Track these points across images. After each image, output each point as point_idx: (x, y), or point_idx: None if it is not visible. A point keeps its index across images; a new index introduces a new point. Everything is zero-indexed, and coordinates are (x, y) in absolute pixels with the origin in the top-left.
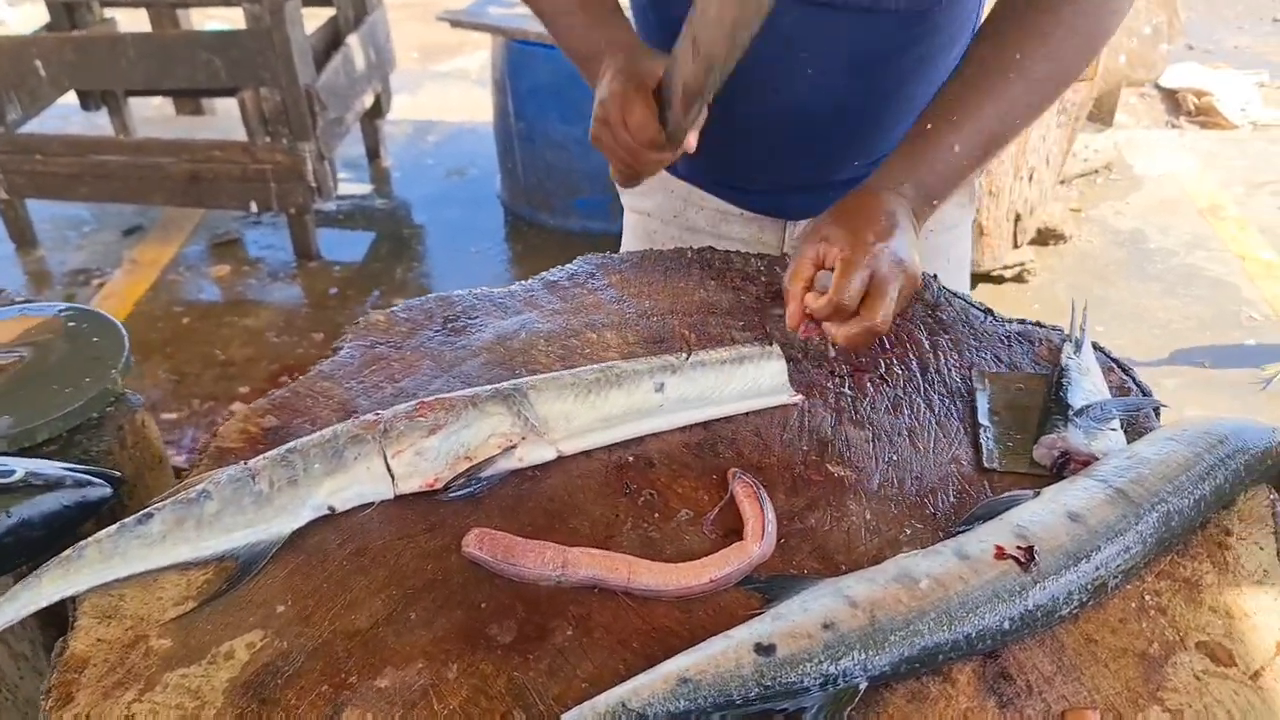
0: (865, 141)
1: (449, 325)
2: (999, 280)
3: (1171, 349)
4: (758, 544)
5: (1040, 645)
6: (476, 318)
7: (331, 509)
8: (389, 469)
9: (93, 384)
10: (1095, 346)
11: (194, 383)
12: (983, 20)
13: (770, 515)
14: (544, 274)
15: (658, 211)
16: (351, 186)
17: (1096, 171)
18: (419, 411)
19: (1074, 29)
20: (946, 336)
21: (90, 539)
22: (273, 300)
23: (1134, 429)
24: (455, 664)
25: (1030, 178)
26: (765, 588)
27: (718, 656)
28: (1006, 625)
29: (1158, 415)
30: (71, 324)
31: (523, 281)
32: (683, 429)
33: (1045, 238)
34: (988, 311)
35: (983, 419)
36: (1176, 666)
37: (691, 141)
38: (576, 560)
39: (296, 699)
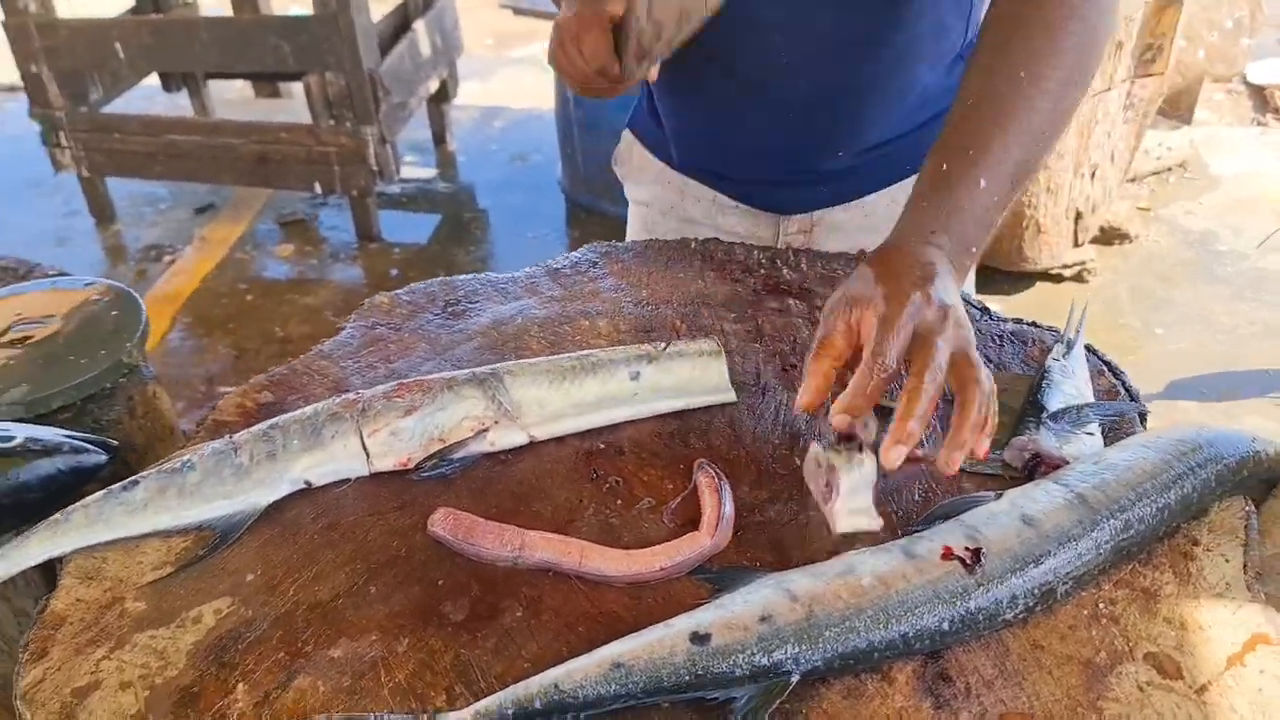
0: (848, 131)
1: (449, 309)
2: (1057, 279)
3: (1235, 354)
4: (711, 535)
5: (985, 649)
6: (477, 302)
7: (308, 483)
8: (364, 447)
9: (107, 356)
10: (1089, 349)
11: (253, 358)
12: (981, 16)
13: (729, 508)
14: (549, 260)
15: (656, 203)
16: (416, 170)
17: (1169, 169)
18: (397, 392)
19: (1074, 30)
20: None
21: (78, 504)
22: (333, 280)
23: (1119, 434)
24: (406, 638)
25: (1093, 174)
26: (716, 578)
27: (654, 644)
28: (946, 626)
29: (1144, 421)
30: (96, 298)
31: (528, 268)
32: (658, 418)
33: (1109, 237)
34: (984, 310)
35: None
36: (1121, 676)
37: (653, 74)
38: (533, 543)
39: (254, 664)
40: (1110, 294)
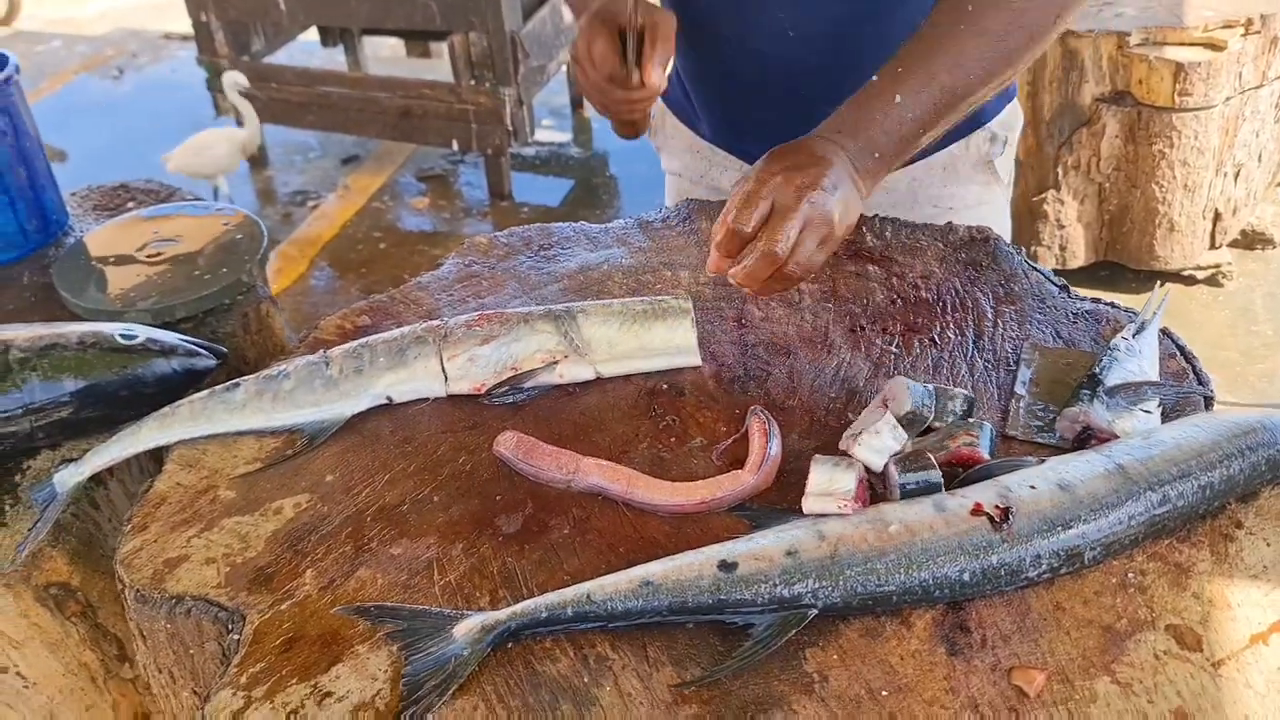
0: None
1: (541, 253)
2: (1189, 281)
3: None
4: (753, 474)
5: (1006, 605)
6: (569, 248)
7: (389, 399)
8: (443, 370)
9: (229, 274)
10: (1165, 333)
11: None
12: None
13: (775, 451)
14: (643, 214)
15: (686, 172)
16: (552, 134)
17: None
18: (476, 321)
19: None
20: (1013, 307)
21: (185, 399)
22: (464, 234)
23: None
24: (461, 544)
25: (1236, 174)
26: (754, 516)
27: (683, 566)
28: (966, 577)
29: (1209, 406)
30: (224, 223)
31: (622, 220)
32: (720, 364)
33: (1250, 241)
34: (1064, 288)
35: (1020, 389)
36: (1139, 644)
37: (658, 80)
38: (586, 468)
39: (323, 554)
40: (1244, 300)
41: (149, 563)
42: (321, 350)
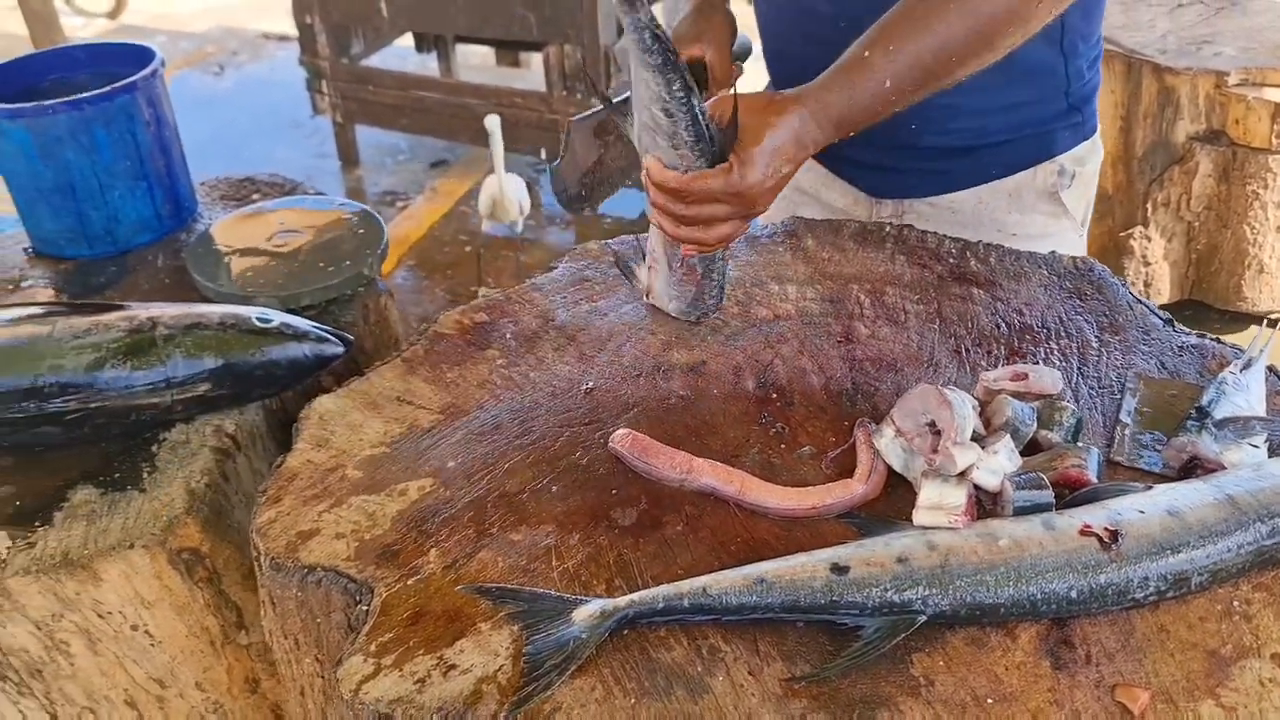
0: (917, 111)
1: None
2: (1277, 324)
3: None
4: (863, 484)
5: (1111, 624)
6: None
7: None
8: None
9: (351, 267)
10: (1271, 370)
11: (465, 303)
12: None
13: (882, 464)
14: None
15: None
16: None
17: None
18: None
19: None
20: (1117, 337)
21: None
22: (546, 241)
23: None
24: (578, 534)
25: None
26: (862, 524)
27: (797, 567)
28: (1074, 594)
29: None
30: (346, 216)
31: None
32: (828, 377)
33: None
34: (1169, 321)
35: (1125, 416)
36: (1244, 670)
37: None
38: (700, 469)
39: (446, 535)
40: None
41: (283, 533)
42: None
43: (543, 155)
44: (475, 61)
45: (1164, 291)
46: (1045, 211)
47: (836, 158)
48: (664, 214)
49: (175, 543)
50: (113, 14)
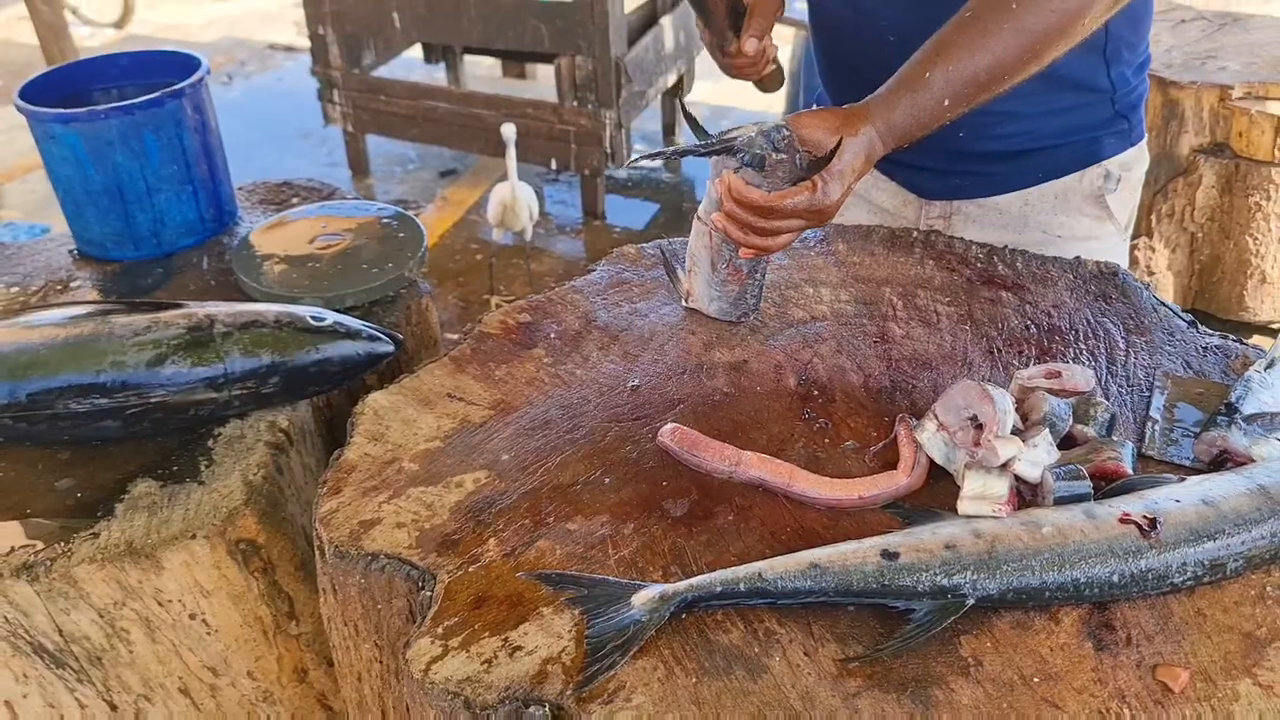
0: (968, 118)
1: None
2: (1278, 334)
3: None
4: (907, 475)
5: (1149, 608)
6: None
7: None
8: None
9: (393, 269)
10: None
11: (477, 310)
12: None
13: (925, 456)
14: None
15: None
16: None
17: None
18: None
19: None
20: (1143, 339)
21: None
22: (556, 250)
23: None
24: (632, 523)
25: None
26: (906, 514)
27: (848, 553)
28: (1115, 579)
29: None
30: (386, 221)
31: None
32: (867, 375)
33: None
34: (1192, 323)
35: (1154, 413)
36: (1279, 651)
37: (750, 49)
38: (748, 461)
39: (504, 525)
40: None
41: (346, 523)
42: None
43: (552, 165)
44: (481, 73)
45: (1167, 301)
46: (1090, 215)
47: (889, 160)
48: (735, 224)
49: (234, 533)
50: (119, 24)
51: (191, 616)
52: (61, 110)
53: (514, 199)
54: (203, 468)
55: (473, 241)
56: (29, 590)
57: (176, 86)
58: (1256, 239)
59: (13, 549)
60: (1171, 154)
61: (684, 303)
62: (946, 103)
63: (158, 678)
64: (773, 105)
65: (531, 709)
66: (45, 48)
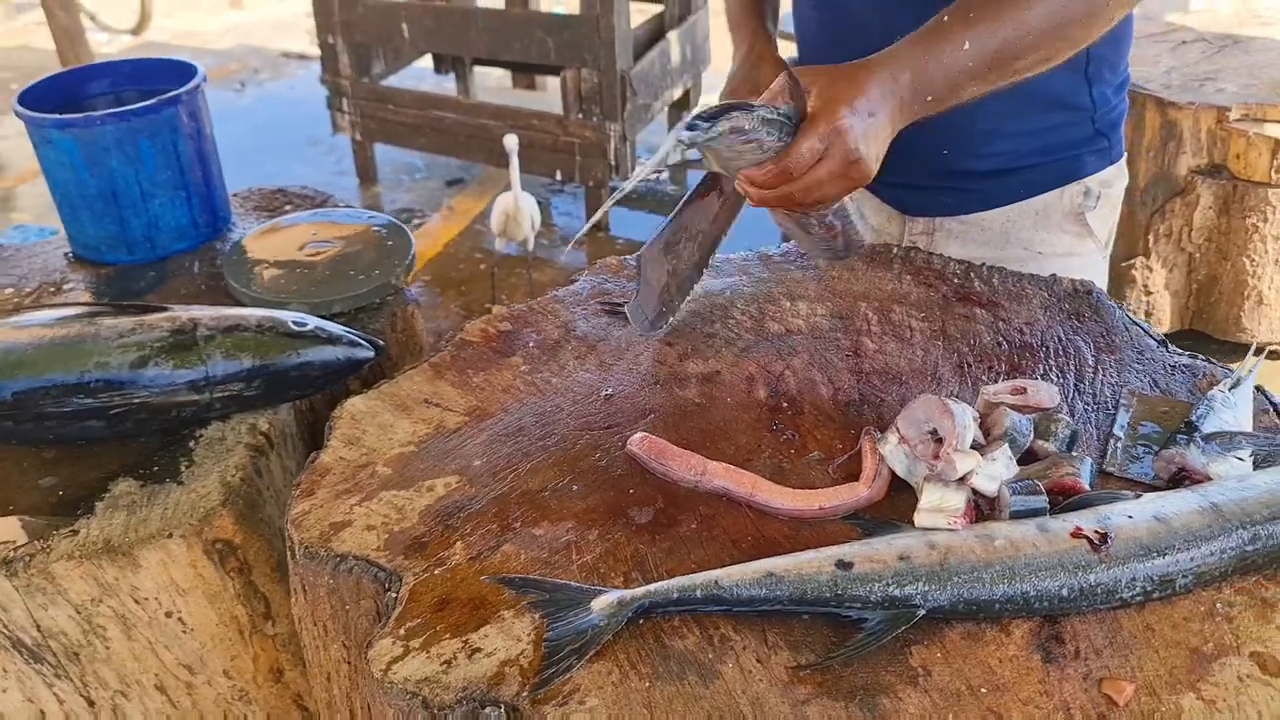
0: (948, 133)
1: None
2: (1274, 356)
3: None
4: (867, 488)
5: (1100, 622)
6: None
7: None
8: None
9: (380, 276)
10: (1259, 390)
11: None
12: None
13: (886, 469)
14: (764, 248)
15: None
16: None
17: None
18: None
19: None
20: (1113, 357)
21: None
22: (560, 261)
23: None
24: (597, 530)
25: None
26: (866, 525)
27: (804, 562)
28: (1065, 592)
29: None
30: (376, 229)
31: (744, 252)
32: (836, 388)
33: None
34: (1162, 342)
35: (1118, 430)
36: (1224, 666)
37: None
38: (714, 471)
39: (471, 529)
40: None
41: (317, 524)
42: None
43: (557, 176)
44: (491, 83)
45: (1165, 321)
46: (1071, 232)
47: (875, 179)
48: (782, 203)
49: (210, 533)
50: (137, 30)
51: (168, 614)
52: (58, 116)
53: (516, 209)
54: (183, 468)
55: (477, 251)
56: (7, 585)
57: (172, 94)
58: (1254, 260)
59: None
60: (1169, 174)
61: (639, 332)
62: (971, 65)
63: (134, 674)
64: None
65: (488, 710)
66: (61, 53)
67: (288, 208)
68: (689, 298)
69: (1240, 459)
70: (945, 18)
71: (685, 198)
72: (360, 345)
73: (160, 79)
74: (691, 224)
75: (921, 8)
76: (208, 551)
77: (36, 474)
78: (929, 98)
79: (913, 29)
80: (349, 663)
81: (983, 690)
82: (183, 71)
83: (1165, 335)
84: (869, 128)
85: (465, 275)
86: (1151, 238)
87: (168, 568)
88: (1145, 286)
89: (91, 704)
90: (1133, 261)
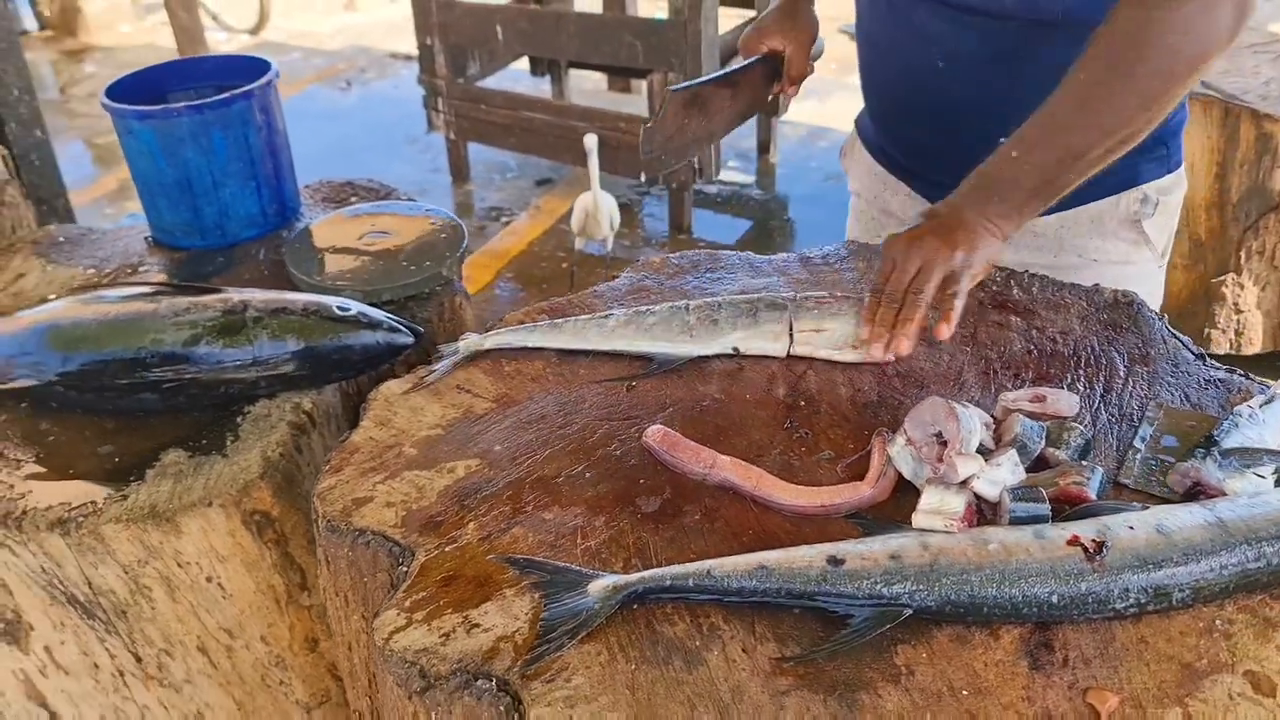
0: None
1: (707, 274)
2: None
3: None
4: (871, 487)
5: (1093, 631)
6: (734, 273)
7: (736, 350)
8: (791, 336)
9: (431, 267)
10: None
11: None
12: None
13: (892, 470)
14: (804, 250)
15: (864, 191)
16: (737, 175)
17: None
18: (827, 300)
19: (1179, 27)
20: (1146, 369)
21: (568, 319)
22: (639, 261)
23: None
24: (604, 516)
25: None
26: (866, 524)
27: (796, 556)
28: (1055, 599)
29: None
30: (430, 221)
31: (785, 253)
32: (856, 389)
33: None
34: (1200, 355)
35: (1138, 442)
36: (1215, 683)
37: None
38: (722, 464)
39: (485, 510)
40: None
41: (340, 499)
42: (685, 300)
43: (642, 178)
44: (588, 86)
45: (1256, 340)
46: (1127, 239)
47: (930, 184)
48: (901, 326)
49: (249, 504)
50: (255, 30)
51: (208, 579)
52: (138, 108)
53: (595, 207)
54: (228, 442)
55: (560, 249)
56: (61, 544)
57: (244, 89)
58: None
59: (50, 506)
60: (1263, 189)
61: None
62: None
63: (178, 635)
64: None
65: (479, 682)
66: (182, 52)
67: (354, 199)
68: (685, 161)
69: (1261, 475)
70: (1008, 140)
71: (731, 68)
72: (400, 331)
73: (239, 75)
74: (721, 95)
75: (986, 24)
76: (245, 521)
77: (96, 442)
78: (1006, 203)
79: (976, 44)
80: (368, 633)
81: (964, 692)
82: (259, 69)
83: (1256, 355)
84: (961, 247)
85: (547, 273)
86: (1243, 254)
87: (208, 535)
88: (1236, 304)
89: (139, 660)
90: (1223, 278)
